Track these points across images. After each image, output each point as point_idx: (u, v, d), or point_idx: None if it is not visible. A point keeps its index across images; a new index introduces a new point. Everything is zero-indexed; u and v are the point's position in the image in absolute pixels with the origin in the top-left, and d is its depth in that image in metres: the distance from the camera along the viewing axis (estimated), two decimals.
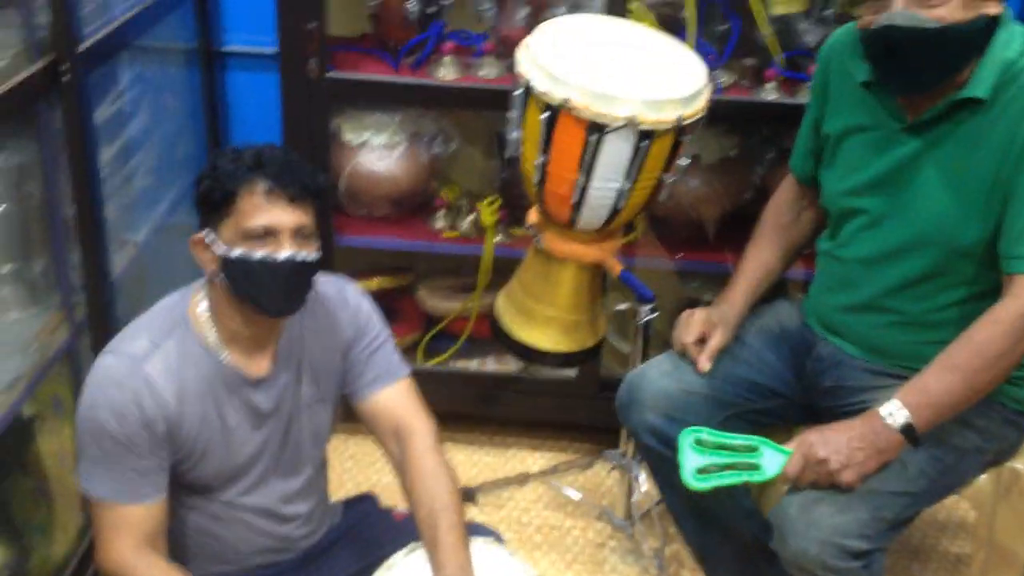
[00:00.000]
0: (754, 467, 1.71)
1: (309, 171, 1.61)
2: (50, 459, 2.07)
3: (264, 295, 1.59)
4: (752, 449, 1.73)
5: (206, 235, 1.60)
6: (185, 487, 1.67)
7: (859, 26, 1.74)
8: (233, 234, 1.57)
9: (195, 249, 1.62)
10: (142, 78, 2.36)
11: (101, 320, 2.04)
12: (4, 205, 1.86)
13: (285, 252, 1.57)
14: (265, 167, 1.56)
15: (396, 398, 1.78)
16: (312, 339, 1.74)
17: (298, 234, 1.58)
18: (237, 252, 1.57)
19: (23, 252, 1.94)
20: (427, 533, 1.65)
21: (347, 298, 1.79)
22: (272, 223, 1.56)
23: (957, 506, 2.58)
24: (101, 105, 2.11)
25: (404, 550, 1.68)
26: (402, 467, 1.75)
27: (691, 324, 1.96)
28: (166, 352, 1.60)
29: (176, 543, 1.70)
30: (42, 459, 2.07)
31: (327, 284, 1.78)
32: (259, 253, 1.56)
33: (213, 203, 1.58)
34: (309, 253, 1.60)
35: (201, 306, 1.65)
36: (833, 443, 1.69)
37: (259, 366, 1.68)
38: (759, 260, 2.04)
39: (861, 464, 1.68)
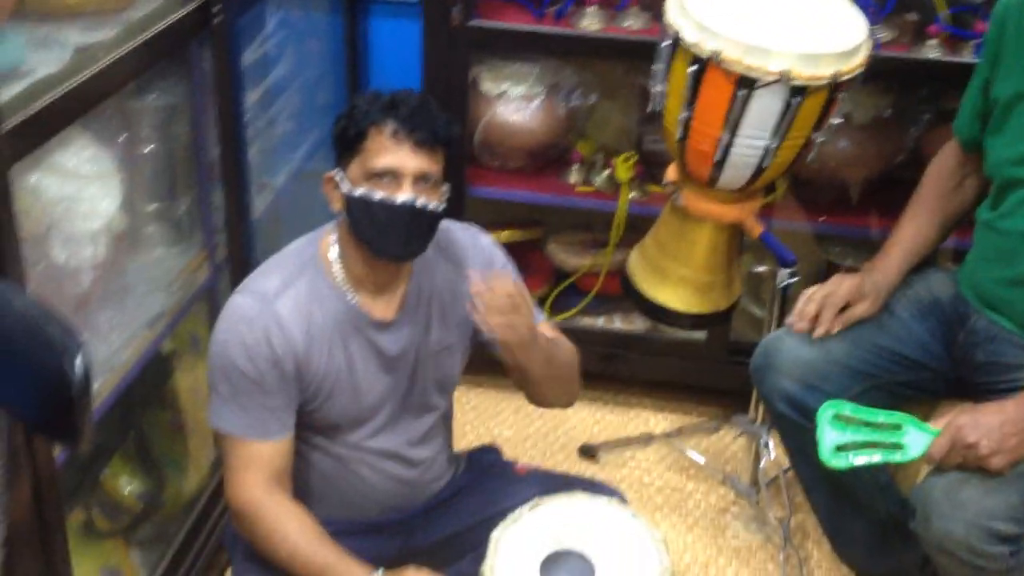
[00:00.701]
0: (897, 447, 1.63)
1: (441, 118, 1.59)
2: (186, 395, 2.14)
3: (379, 237, 1.59)
4: (896, 427, 1.65)
5: (336, 173, 1.61)
6: (312, 428, 1.69)
7: None
8: (359, 173, 1.58)
9: (326, 187, 1.64)
10: (287, 23, 2.39)
11: (241, 260, 2.08)
12: (152, 145, 1.90)
13: (404, 195, 1.56)
14: (397, 109, 1.56)
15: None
16: (444, 286, 1.74)
17: (421, 180, 1.57)
18: (359, 191, 1.57)
19: (169, 192, 1.99)
20: None
21: (481, 248, 1.78)
22: (395, 165, 1.55)
23: None
24: (248, 49, 2.14)
25: (528, 504, 1.67)
26: None
27: (839, 292, 1.87)
28: (296, 291, 1.62)
29: (302, 487, 1.73)
30: (179, 395, 2.14)
31: (461, 232, 1.77)
32: (379, 194, 1.56)
33: (346, 141, 1.59)
34: (431, 201, 1.59)
35: (332, 247, 1.66)
36: (984, 426, 1.60)
37: (386, 309, 1.68)
38: (916, 228, 1.94)
39: (1013, 450, 1.60)
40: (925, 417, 1.93)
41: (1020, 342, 1.80)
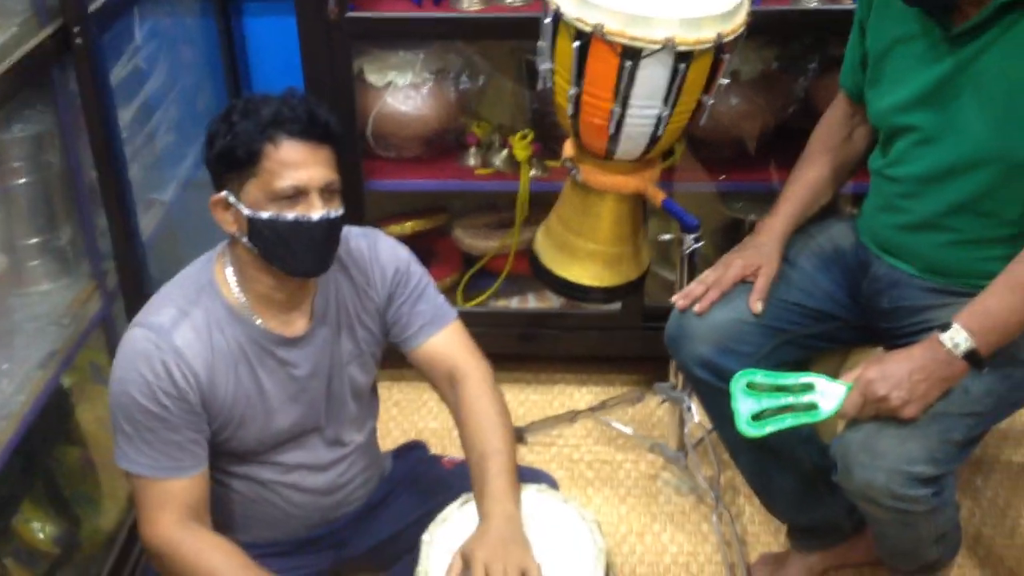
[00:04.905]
0: (811, 407, 1.64)
1: (325, 111, 1.54)
2: (93, 426, 2.06)
3: (295, 257, 1.54)
4: (807, 387, 1.66)
5: (227, 195, 1.54)
6: (228, 456, 1.65)
7: None
8: (260, 195, 1.51)
9: (215, 210, 1.56)
10: (157, 32, 2.30)
11: (134, 284, 2.01)
12: (25, 177, 1.81)
13: (318, 212, 1.51)
14: (287, 122, 1.50)
15: (447, 343, 1.74)
16: (349, 295, 1.70)
17: (326, 191, 1.53)
18: (266, 214, 1.51)
19: (48, 223, 1.90)
20: (477, 478, 1.62)
21: (380, 252, 1.73)
22: (302, 182, 1.50)
23: (1020, 413, 2.51)
24: (117, 65, 2.06)
25: (458, 502, 1.65)
26: (457, 412, 1.71)
27: (728, 275, 1.89)
28: (193, 321, 1.56)
29: (225, 516, 1.68)
30: (86, 428, 2.06)
31: (360, 238, 1.73)
32: (291, 215, 1.51)
33: (235, 162, 1.51)
34: (337, 210, 1.55)
35: (228, 269, 1.60)
36: (894, 378, 1.61)
37: (295, 326, 1.64)
38: (805, 182, 1.95)
39: (924, 396, 1.61)
40: (838, 368, 1.96)
41: (922, 285, 1.82)
